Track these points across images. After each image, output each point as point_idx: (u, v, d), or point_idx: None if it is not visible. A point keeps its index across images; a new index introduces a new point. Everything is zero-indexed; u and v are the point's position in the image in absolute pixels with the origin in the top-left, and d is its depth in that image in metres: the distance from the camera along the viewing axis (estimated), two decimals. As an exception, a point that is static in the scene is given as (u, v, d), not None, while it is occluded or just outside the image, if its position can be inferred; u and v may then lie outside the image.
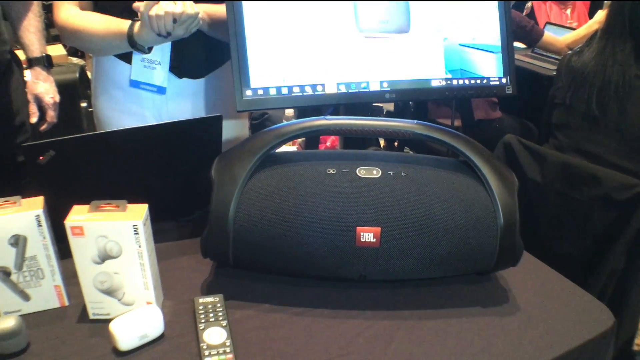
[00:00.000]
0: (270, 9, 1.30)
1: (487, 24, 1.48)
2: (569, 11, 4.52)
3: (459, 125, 2.79)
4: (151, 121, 1.51)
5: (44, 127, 1.72)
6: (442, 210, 0.96)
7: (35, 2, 1.72)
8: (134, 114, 1.51)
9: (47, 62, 1.72)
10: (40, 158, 1.02)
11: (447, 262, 0.99)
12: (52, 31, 5.37)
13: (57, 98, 1.73)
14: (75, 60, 3.75)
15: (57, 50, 3.71)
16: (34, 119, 1.69)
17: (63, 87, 1.77)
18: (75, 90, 2.76)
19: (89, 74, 3.34)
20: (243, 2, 1.27)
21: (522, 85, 2.88)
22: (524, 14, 5.07)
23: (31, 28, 1.71)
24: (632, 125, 1.71)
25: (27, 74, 1.74)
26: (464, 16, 1.47)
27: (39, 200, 0.95)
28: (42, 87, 1.69)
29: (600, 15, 3.15)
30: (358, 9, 1.38)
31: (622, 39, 1.73)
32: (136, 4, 1.25)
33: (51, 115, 1.72)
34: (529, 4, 4.83)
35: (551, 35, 3.01)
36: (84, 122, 2.78)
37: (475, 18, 1.48)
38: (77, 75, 2.84)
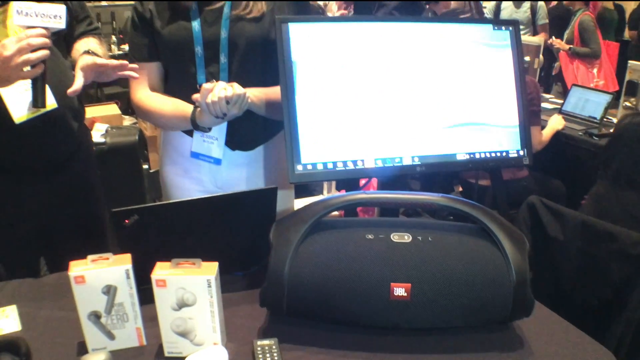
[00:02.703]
0: (318, 98, 1.45)
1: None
2: (595, 70, 4.63)
3: (489, 185, 2.87)
4: (208, 185, 1.70)
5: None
6: (462, 269, 1.11)
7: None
8: (194, 178, 1.71)
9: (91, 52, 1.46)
10: (126, 221, 1.19)
11: (468, 313, 1.13)
12: (107, 90, 5.61)
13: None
14: (127, 118, 3.83)
15: (111, 110, 3.75)
16: (75, 87, 1.37)
17: (123, 150, 1.78)
18: (135, 152, 2.77)
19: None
20: (296, 91, 1.43)
21: (549, 145, 2.99)
22: (553, 73, 5.17)
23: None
24: None
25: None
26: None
27: (127, 257, 1.10)
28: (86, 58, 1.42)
29: (555, 119, 3.16)
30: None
31: None
32: (195, 96, 1.45)
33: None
34: (557, 63, 4.95)
35: (539, 131, 2.89)
36: (145, 182, 2.81)
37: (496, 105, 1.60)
38: (137, 137, 2.85)
